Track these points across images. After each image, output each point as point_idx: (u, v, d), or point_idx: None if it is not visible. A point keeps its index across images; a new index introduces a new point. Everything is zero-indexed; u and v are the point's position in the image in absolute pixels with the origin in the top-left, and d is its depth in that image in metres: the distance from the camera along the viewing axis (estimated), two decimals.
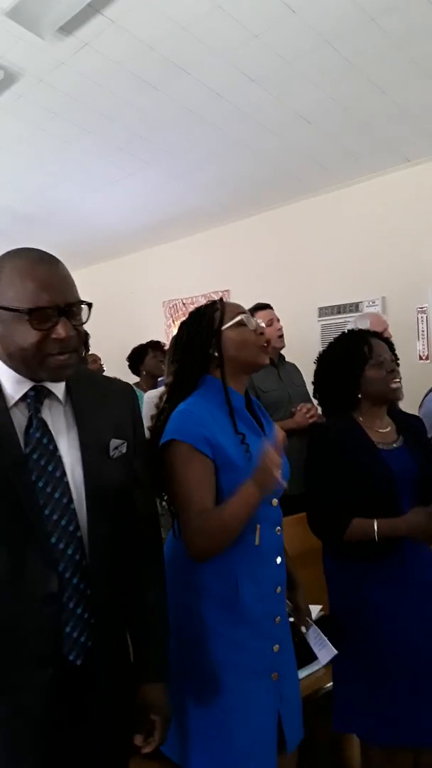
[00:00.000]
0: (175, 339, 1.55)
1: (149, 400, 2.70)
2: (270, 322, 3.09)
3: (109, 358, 4.74)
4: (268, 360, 1.51)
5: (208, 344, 1.45)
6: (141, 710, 1.15)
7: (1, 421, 1.03)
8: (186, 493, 1.33)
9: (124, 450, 1.15)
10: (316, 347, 4.40)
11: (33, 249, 1.05)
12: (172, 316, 5.71)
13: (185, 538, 1.34)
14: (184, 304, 5.59)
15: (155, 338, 4.45)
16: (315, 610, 1.87)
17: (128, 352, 4.27)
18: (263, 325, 1.54)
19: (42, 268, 1.01)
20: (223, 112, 3.46)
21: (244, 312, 1.48)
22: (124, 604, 1.16)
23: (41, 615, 1.01)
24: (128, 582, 1.17)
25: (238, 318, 1.46)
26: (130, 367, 4.19)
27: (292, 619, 1.59)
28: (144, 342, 4.27)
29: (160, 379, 4.09)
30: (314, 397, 1.99)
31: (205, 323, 1.47)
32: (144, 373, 4.08)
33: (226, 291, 5.19)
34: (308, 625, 1.61)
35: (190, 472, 1.33)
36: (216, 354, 1.44)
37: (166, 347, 4.62)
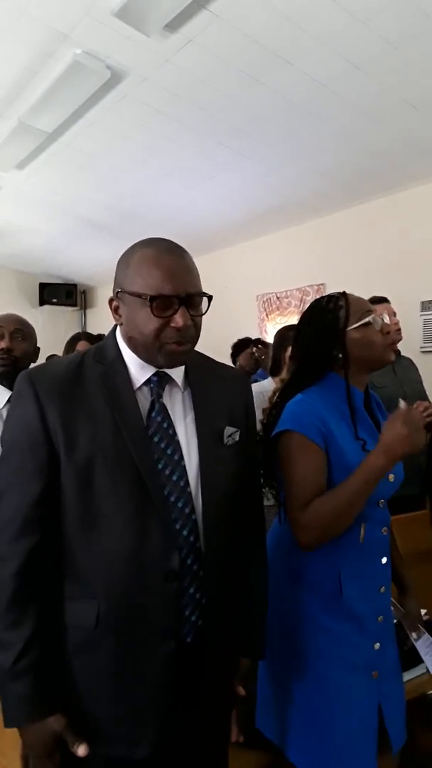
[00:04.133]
0: (296, 337, 1.53)
1: (257, 393, 2.71)
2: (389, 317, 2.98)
3: (203, 352, 4.80)
4: (393, 357, 1.47)
5: (331, 345, 1.41)
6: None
7: (128, 403, 1.08)
8: (297, 483, 1.34)
9: (237, 438, 1.18)
10: (418, 343, 4.22)
11: (163, 239, 1.10)
12: (265, 310, 5.69)
13: (294, 528, 1.35)
14: (278, 298, 5.55)
15: (249, 332, 4.50)
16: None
17: (221, 346, 4.32)
18: (387, 321, 1.48)
19: (169, 258, 1.05)
20: (327, 102, 3.38)
21: (371, 311, 1.42)
22: (231, 586, 1.18)
23: (163, 591, 1.05)
24: (235, 563, 1.20)
25: (365, 319, 1.40)
26: (232, 356, 4.35)
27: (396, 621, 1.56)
28: (240, 336, 4.38)
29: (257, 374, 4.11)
30: None
31: (329, 322, 1.42)
32: (238, 366, 4.15)
33: (321, 285, 5.09)
34: (419, 632, 1.56)
35: (302, 462, 1.34)
36: (340, 355, 1.41)
37: (263, 341, 4.67)
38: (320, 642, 1.37)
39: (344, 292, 1.47)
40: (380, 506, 1.41)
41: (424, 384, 3.06)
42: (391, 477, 1.38)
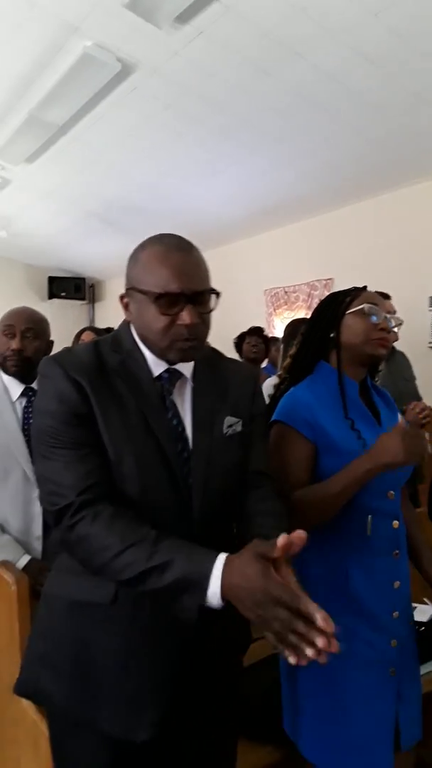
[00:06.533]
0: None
1: (267, 388, 2.71)
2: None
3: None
4: (382, 353, 1.45)
5: (330, 326, 1.44)
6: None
7: (150, 393, 1.10)
8: (280, 471, 1.36)
9: (239, 428, 1.19)
10: (426, 339, 4.21)
11: (173, 235, 1.11)
12: (273, 305, 5.69)
13: None
14: (285, 292, 5.54)
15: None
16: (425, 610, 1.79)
17: (229, 340, 4.30)
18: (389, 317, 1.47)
19: (176, 255, 1.06)
20: (337, 95, 3.37)
21: (374, 304, 1.43)
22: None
23: None
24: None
25: (361, 306, 1.42)
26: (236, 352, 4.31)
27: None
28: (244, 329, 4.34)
29: (263, 366, 4.11)
30: None
31: (333, 306, 1.46)
32: (242, 359, 4.14)
33: (329, 279, 5.09)
34: None
35: (286, 452, 1.37)
36: (333, 336, 1.44)
37: (268, 334, 4.65)
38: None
39: (365, 286, 1.50)
40: (389, 497, 1.38)
41: None
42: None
